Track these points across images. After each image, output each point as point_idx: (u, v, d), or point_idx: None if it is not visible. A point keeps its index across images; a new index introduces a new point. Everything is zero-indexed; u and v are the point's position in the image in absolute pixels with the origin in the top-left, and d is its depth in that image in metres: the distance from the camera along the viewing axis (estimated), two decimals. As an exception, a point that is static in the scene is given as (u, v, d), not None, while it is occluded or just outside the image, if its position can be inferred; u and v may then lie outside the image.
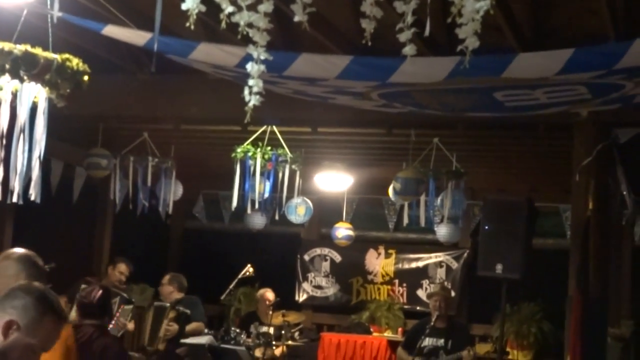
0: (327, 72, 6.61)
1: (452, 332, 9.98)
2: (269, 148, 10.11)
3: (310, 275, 14.77)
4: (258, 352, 10.43)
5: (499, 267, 8.91)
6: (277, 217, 11.22)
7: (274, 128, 10.04)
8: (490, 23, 5.59)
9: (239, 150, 10.04)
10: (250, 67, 3.74)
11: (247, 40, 3.67)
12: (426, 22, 3.58)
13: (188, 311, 10.35)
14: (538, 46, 7.02)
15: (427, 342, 9.90)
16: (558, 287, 9.05)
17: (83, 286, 7.13)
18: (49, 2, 5.58)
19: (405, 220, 11.40)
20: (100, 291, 6.59)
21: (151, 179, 11.15)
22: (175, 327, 10.18)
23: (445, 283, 13.58)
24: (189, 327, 10.32)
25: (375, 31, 3.62)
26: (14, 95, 5.55)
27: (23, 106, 5.55)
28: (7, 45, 5.44)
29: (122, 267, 10.87)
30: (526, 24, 7.37)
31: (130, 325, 10.04)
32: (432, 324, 9.90)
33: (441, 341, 9.89)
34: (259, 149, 10.04)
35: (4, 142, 5.68)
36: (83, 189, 12.63)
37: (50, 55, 5.53)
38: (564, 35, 7.27)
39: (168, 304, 10.32)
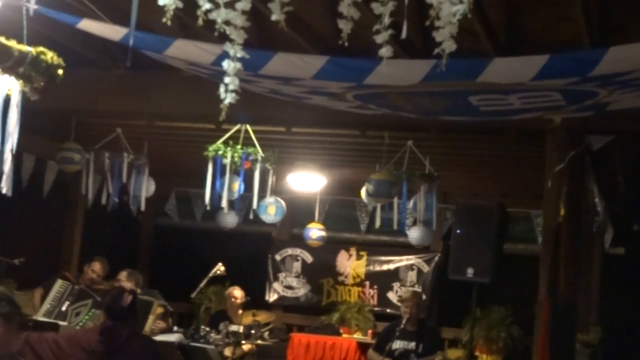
0: (303, 72, 6.61)
1: (423, 336, 10.02)
2: (239, 147, 10.08)
3: (281, 275, 14.75)
4: (227, 351, 10.40)
5: (469, 271, 8.95)
6: (251, 217, 11.19)
7: (248, 127, 10.03)
8: (466, 27, 5.60)
9: (210, 148, 10.02)
10: (226, 64, 3.73)
11: (223, 38, 3.66)
12: (403, 25, 3.58)
13: (171, 308, 10.30)
14: (513, 51, 7.03)
15: (398, 344, 9.93)
16: (528, 292, 9.08)
17: (115, 291, 7.11)
18: (24, -5, 5.55)
19: (378, 223, 11.41)
20: (131, 296, 6.67)
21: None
22: (162, 325, 9.99)
23: (416, 286, 13.62)
24: None
25: (352, 32, 3.62)
26: (-13, 88, 5.52)
27: (-4, 99, 5.52)
28: (-20, 37, 5.40)
29: (96, 266, 10.74)
30: (501, 29, 7.39)
31: None
32: (402, 326, 9.93)
33: (412, 344, 9.93)
34: (229, 148, 10.02)
35: (-24, 134, 5.64)
36: (54, 184, 12.55)
37: (24, 48, 5.49)
38: (539, 41, 7.30)
39: (153, 299, 10.14)
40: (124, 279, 10.38)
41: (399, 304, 10.99)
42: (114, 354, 6.51)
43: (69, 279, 10.39)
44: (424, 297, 12.61)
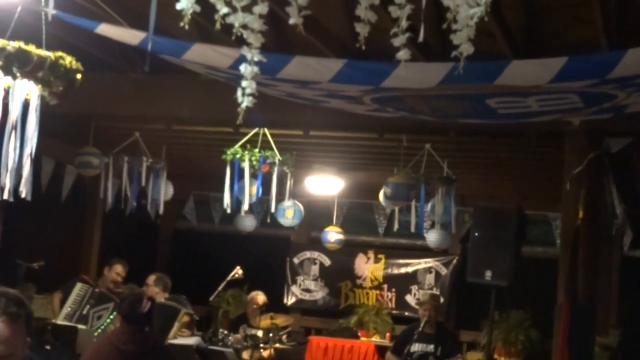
0: (321, 76, 6.60)
1: (441, 338, 10.01)
2: (256, 150, 10.10)
3: (299, 279, 14.76)
4: (245, 355, 10.41)
5: (488, 274, 8.93)
6: (269, 220, 11.20)
7: (266, 130, 10.04)
8: (484, 30, 5.60)
9: (228, 152, 10.04)
10: (243, 68, 3.73)
11: (241, 42, 3.66)
12: (420, 28, 3.58)
13: (197, 317, 10.24)
14: (530, 54, 7.01)
15: (417, 347, 9.93)
16: (546, 295, 9.06)
17: (133, 297, 7.09)
18: (43, 0, 5.57)
19: (396, 226, 11.40)
20: (149, 303, 6.71)
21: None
22: (187, 333, 9.87)
23: (434, 289, 13.60)
24: None
25: (369, 35, 3.62)
26: (6, 92, 5.55)
27: (15, 103, 5.54)
28: (0, 42, 5.43)
29: (119, 269, 10.76)
30: (519, 31, 7.37)
31: None
32: (420, 329, 9.92)
33: (431, 347, 9.92)
34: (246, 151, 10.04)
35: (-4, 138, 5.67)
36: (72, 188, 12.61)
37: (43, 52, 5.52)
38: (557, 43, 7.28)
39: (181, 307, 9.92)
40: (152, 283, 10.38)
41: (417, 306, 10.98)
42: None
43: (88, 282, 10.40)
44: (442, 299, 12.58)
